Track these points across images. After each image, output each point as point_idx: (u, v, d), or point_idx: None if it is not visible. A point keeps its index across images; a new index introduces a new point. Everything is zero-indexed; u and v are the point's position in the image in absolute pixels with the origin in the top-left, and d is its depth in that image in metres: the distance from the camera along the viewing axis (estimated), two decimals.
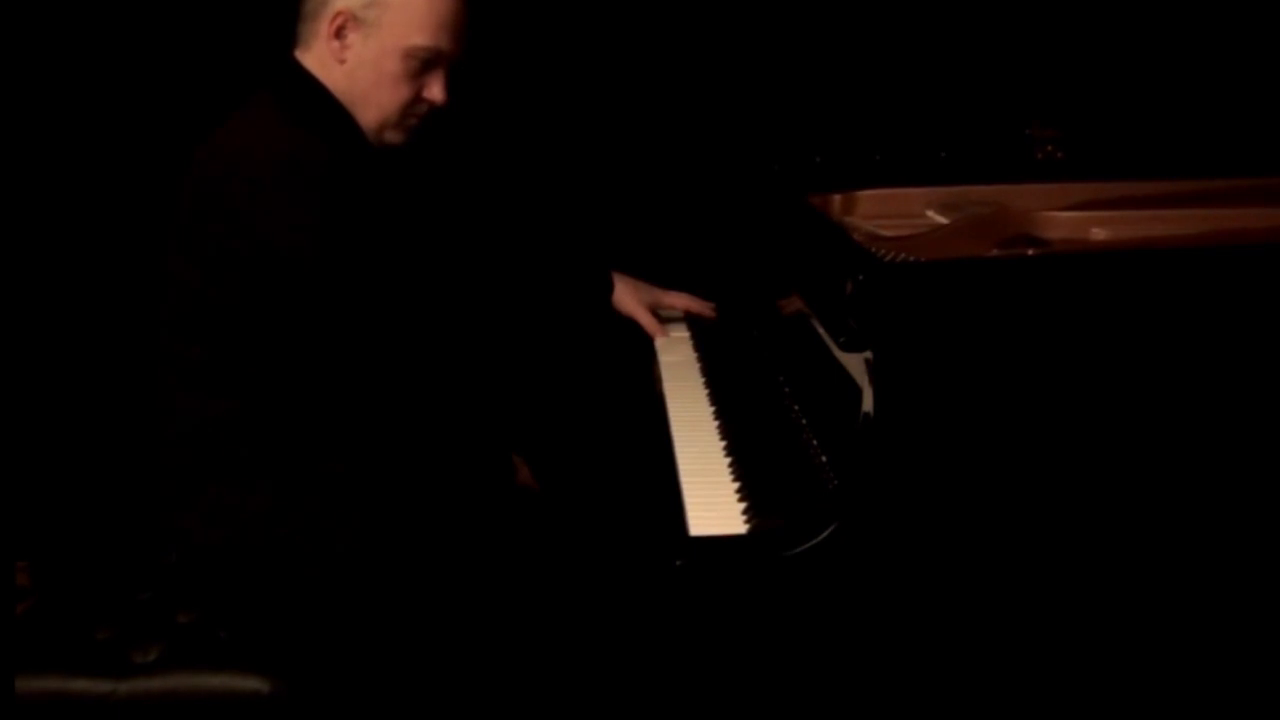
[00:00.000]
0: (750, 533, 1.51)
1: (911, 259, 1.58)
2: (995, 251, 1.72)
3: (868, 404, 1.41)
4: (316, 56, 1.85)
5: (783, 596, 1.41)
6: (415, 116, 1.90)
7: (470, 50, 1.92)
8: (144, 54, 2.76)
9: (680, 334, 2.30)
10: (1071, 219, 1.84)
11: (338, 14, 1.81)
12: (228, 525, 1.77)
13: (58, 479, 2.80)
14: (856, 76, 2.84)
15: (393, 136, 1.89)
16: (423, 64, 1.85)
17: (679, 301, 2.28)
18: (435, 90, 1.88)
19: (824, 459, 1.60)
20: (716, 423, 1.90)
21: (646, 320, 2.22)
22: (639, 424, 2.13)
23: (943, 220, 2.01)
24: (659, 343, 2.24)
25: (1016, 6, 2.79)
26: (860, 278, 1.43)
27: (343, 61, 1.84)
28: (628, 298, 2.21)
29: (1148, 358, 1.41)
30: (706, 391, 2.04)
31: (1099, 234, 1.80)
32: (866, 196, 2.21)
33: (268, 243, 1.71)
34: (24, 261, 2.72)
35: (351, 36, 1.82)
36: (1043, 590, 1.43)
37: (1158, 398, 1.41)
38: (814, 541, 1.39)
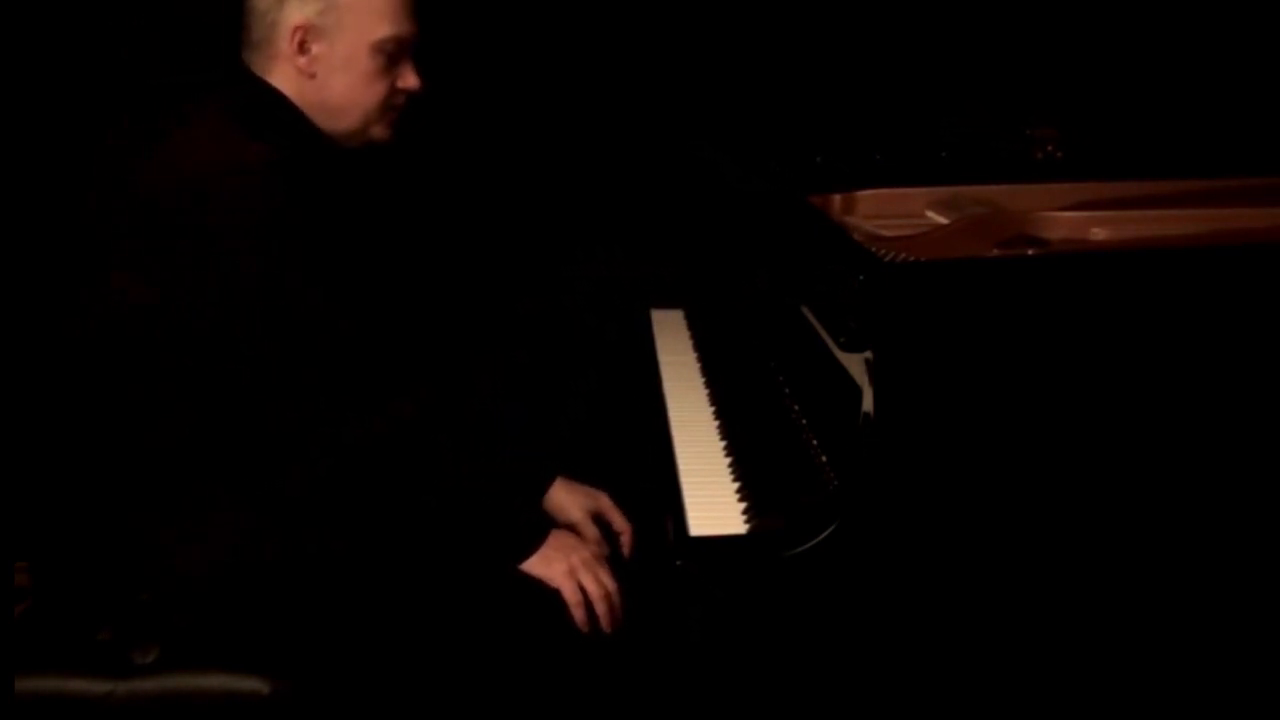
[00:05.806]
0: (750, 533, 1.52)
1: (911, 259, 1.58)
2: (995, 251, 1.71)
3: (868, 404, 1.41)
4: (284, 76, 1.81)
5: (782, 597, 1.41)
6: (395, 109, 1.89)
7: (473, 48, 1.92)
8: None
9: (681, 334, 2.30)
10: (1071, 219, 1.84)
11: (295, 29, 1.78)
12: (211, 550, 1.74)
13: (58, 479, 2.79)
14: (856, 76, 2.84)
15: (378, 132, 1.88)
16: (391, 56, 1.83)
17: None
18: (409, 78, 1.86)
19: (824, 459, 1.60)
20: (716, 423, 1.90)
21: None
22: (639, 424, 2.13)
23: (942, 220, 2.01)
24: (659, 342, 2.24)
25: (1016, 6, 2.79)
26: (860, 278, 1.43)
27: (314, 75, 1.80)
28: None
29: (1148, 358, 1.41)
30: (706, 392, 2.04)
31: (1099, 234, 1.80)
32: (866, 196, 2.21)
33: (241, 263, 1.67)
34: (24, 262, 2.72)
35: (316, 48, 1.79)
36: (1042, 589, 1.43)
37: (1158, 398, 1.41)
38: (814, 541, 1.39)
